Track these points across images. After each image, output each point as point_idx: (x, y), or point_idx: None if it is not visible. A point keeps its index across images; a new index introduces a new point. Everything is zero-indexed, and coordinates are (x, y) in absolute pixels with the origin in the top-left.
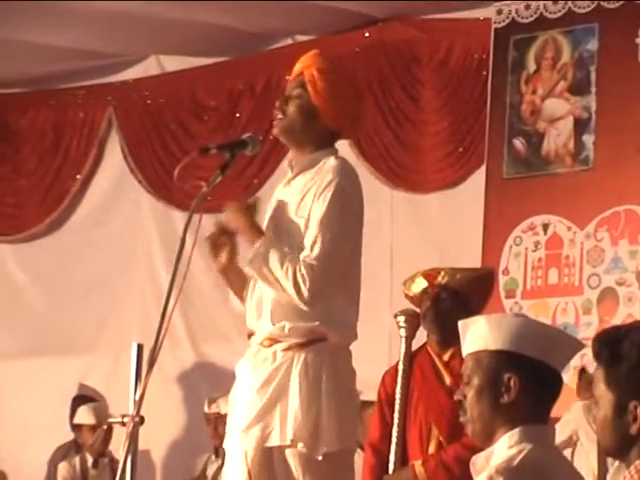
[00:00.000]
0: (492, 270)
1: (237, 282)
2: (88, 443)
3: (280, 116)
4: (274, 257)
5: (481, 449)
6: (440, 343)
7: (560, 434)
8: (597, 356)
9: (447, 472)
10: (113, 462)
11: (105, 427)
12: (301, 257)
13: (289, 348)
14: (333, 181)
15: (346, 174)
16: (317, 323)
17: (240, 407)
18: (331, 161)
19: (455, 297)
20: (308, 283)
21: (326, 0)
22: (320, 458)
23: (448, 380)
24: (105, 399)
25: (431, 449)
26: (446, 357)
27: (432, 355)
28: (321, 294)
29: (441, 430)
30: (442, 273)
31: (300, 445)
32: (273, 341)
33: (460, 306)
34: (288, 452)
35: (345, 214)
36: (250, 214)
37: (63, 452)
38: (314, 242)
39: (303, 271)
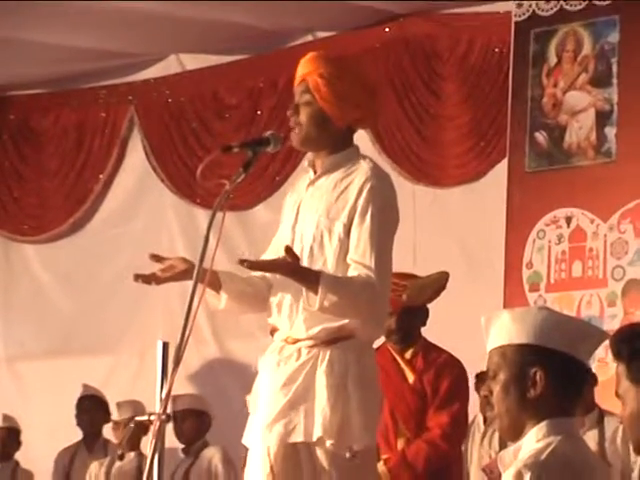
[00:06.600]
0: (447, 275)
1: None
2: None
3: (296, 130)
4: (341, 291)
5: (448, 449)
6: (401, 347)
7: None
8: (617, 354)
9: (410, 469)
10: (141, 456)
11: (132, 425)
12: (357, 272)
13: (314, 345)
14: (377, 192)
15: (388, 184)
16: (347, 321)
17: (264, 403)
18: (364, 165)
19: (415, 312)
20: (374, 304)
21: None
22: (347, 455)
23: (411, 378)
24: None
25: (400, 446)
26: (408, 355)
27: (393, 353)
28: (385, 307)
29: (409, 428)
30: (407, 291)
31: (328, 442)
32: (298, 339)
33: (418, 317)
34: (315, 449)
35: (389, 223)
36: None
37: (71, 453)
38: (370, 258)
39: (369, 294)
